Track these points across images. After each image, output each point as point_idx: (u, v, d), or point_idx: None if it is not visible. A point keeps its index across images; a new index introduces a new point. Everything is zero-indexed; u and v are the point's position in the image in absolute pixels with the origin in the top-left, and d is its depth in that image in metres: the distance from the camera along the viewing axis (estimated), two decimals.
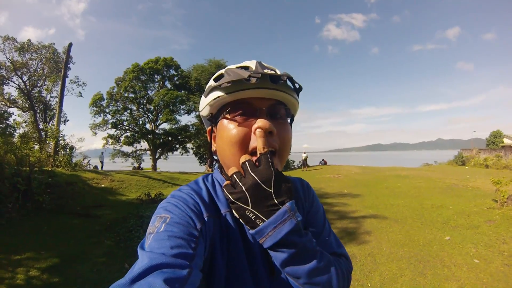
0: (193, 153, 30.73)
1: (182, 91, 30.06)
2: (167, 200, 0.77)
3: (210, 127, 0.86)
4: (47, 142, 16.94)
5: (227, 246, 0.78)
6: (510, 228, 6.39)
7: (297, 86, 0.80)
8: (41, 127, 21.36)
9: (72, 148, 16.69)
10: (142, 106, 30.44)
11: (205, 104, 0.82)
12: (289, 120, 0.85)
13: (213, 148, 0.86)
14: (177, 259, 0.59)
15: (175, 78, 31.46)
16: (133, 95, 29.84)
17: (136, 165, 29.31)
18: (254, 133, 0.73)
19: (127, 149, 30.09)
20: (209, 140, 0.88)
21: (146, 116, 30.61)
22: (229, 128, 0.76)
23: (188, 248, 0.63)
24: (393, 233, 6.36)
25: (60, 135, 16.47)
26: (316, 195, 1.01)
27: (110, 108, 29.14)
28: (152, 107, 29.92)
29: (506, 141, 36.04)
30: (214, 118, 0.83)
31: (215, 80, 0.80)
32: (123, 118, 29.84)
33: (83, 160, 17.29)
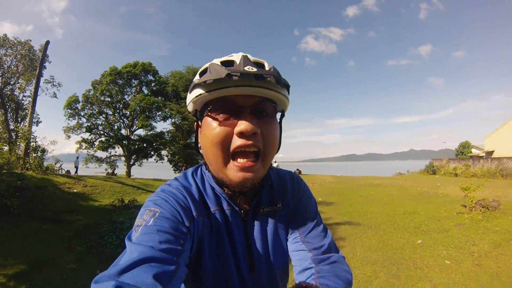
0: (168, 161, 30.06)
1: (159, 97, 29.63)
2: (156, 193, 0.77)
3: (196, 123, 0.84)
4: (18, 143, 16.14)
5: (215, 243, 0.80)
6: (478, 231, 6.66)
7: (284, 82, 0.75)
8: (11, 127, 20.30)
9: (43, 151, 15.89)
10: (118, 110, 29.67)
11: (189, 100, 0.80)
12: (279, 116, 0.83)
13: (199, 144, 0.83)
14: (165, 254, 0.59)
15: (153, 84, 30.96)
16: (109, 99, 29.12)
17: (110, 171, 28.36)
18: (237, 134, 0.71)
19: (101, 154, 29.20)
20: (195, 136, 0.86)
21: (121, 121, 29.82)
22: (211, 127, 0.73)
23: (176, 244, 0.64)
24: (367, 238, 6.49)
25: (32, 136, 15.77)
26: (308, 189, 0.99)
27: (85, 111, 28.22)
28: (128, 112, 29.18)
29: (474, 151, 37.62)
30: (198, 114, 0.81)
31: (200, 74, 0.77)
32: (98, 122, 28.96)
33: (55, 163, 16.63)
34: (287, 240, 0.90)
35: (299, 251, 0.83)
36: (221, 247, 0.80)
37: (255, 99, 0.73)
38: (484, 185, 10.12)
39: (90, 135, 28.65)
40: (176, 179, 0.84)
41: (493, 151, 28.93)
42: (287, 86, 0.78)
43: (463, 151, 39.16)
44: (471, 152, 37.50)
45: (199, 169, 0.90)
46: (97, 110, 28.70)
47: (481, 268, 4.75)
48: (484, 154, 30.45)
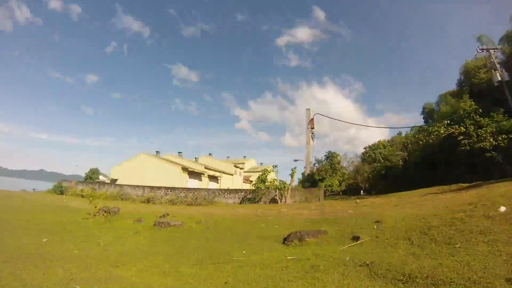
0: None
1: None
2: None
3: None
4: None
5: None
6: (103, 230, 8.38)
7: None
8: None
9: None
10: None
11: None
12: None
13: None
14: None
15: None
16: None
17: None
18: None
19: None
20: None
21: None
22: None
23: None
24: None
25: None
26: None
27: None
28: None
29: (101, 178, 43.86)
30: None
31: None
32: None
33: None
34: None
35: None
36: None
37: None
38: (108, 202, 13.49)
39: None
40: None
41: (117, 179, 33.77)
42: None
43: (91, 176, 42.19)
44: (98, 178, 41.40)
45: None
46: None
47: (106, 252, 6.04)
48: (109, 181, 34.64)
